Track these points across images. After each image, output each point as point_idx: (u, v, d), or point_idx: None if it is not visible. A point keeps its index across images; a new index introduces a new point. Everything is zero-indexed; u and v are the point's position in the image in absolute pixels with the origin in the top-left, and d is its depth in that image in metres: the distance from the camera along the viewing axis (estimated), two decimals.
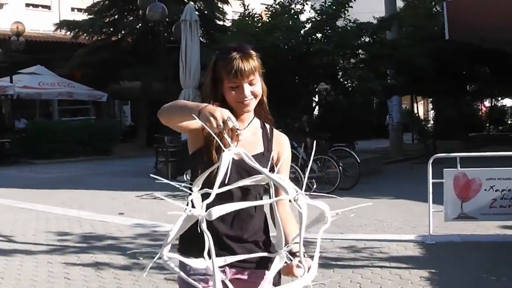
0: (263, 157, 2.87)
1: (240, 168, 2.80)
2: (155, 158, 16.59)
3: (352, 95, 16.33)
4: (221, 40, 16.25)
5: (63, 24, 25.67)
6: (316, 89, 17.44)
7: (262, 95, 2.87)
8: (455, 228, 8.39)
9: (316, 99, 17.71)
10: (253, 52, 2.79)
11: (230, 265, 2.88)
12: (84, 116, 28.35)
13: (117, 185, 14.50)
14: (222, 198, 2.63)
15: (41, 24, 27.49)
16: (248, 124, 2.91)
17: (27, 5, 29.70)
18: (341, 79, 16.19)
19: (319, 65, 14.43)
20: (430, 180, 7.89)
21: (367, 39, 16.03)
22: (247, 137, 2.85)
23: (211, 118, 2.41)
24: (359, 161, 12.62)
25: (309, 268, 2.50)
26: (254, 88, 2.77)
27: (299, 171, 11.27)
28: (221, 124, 2.40)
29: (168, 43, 20.65)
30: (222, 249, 2.81)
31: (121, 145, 24.94)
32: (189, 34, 14.65)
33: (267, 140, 2.95)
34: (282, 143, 3.00)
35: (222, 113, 2.42)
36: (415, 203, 10.47)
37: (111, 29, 26.48)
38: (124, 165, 19.53)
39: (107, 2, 26.06)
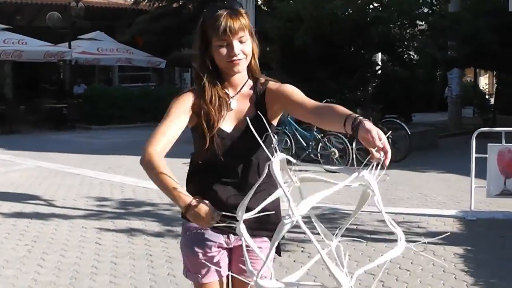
0: (256, 122, 2.66)
1: (236, 140, 2.76)
2: None
3: (410, 66, 15.92)
4: (278, 7, 15.99)
5: None
6: (373, 60, 17.08)
7: (254, 54, 2.77)
8: (499, 204, 8.08)
9: (375, 70, 17.35)
10: (242, 10, 2.70)
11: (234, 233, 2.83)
12: (145, 82, 28.52)
13: (174, 151, 14.47)
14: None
15: None
16: (241, 88, 2.81)
17: None
18: (398, 50, 15.78)
19: (375, 34, 14.08)
20: (474, 155, 7.62)
21: (425, 10, 15.53)
22: (239, 103, 2.80)
23: (200, 221, 2.52)
24: (409, 133, 12.28)
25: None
26: (244, 47, 2.68)
27: (346, 142, 11.02)
28: (211, 221, 2.49)
29: None
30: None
31: None
32: (244, 0, 14.42)
33: (259, 98, 2.84)
34: (274, 89, 2.84)
35: (206, 213, 2.49)
36: (464, 178, 10.08)
37: None
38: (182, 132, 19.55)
39: None
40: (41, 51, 20.38)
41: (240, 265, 2.93)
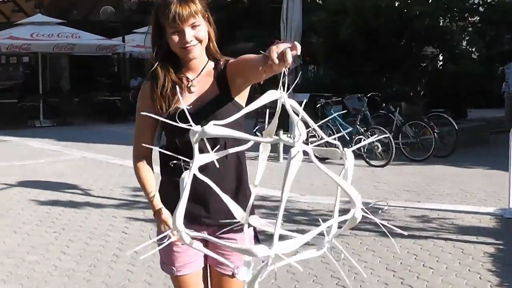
0: (220, 100, 2.74)
1: (198, 120, 2.64)
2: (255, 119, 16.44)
3: (460, 61, 15.53)
4: (323, 1, 15.85)
5: None
6: (423, 53, 16.68)
7: (211, 37, 2.75)
8: None
9: (423, 64, 16.99)
10: None
11: (207, 225, 2.82)
12: None
13: None
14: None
15: None
16: (201, 71, 2.78)
17: None
18: (447, 44, 15.40)
19: (421, 27, 13.78)
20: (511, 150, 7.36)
21: (476, 0, 15.12)
22: (201, 85, 2.76)
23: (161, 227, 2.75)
24: (457, 128, 11.96)
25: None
26: (197, 33, 2.65)
27: (390, 137, 10.80)
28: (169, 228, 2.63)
29: (273, 4, 20.41)
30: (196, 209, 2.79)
31: None
32: None
33: (221, 77, 2.77)
34: (232, 63, 2.76)
35: (166, 223, 2.74)
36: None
37: None
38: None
39: None
40: (94, 44, 20.61)
41: (215, 258, 2.90)
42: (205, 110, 2.69)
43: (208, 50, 2.77)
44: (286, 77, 1.96)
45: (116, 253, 6.01)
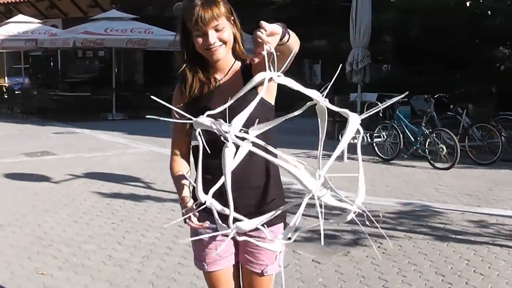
0: (247, 96, 2.64)
1: (225, 117, 2.70)
2: None
3: None
4: None
5: None
6: (492, 54, 16.31)
7: (237, 39, 2.81)
8: None
9: (494, 65, 16.60)
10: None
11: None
12: None
13: (282, 141, 14.41)
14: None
15: None
16: (228, 71, 2.85)
17: None
18: None
19: (492, 26, 13.47)
20: None
21: None
22: (228, 85, 2.81)
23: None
24: None
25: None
26: (221, 35, 2.70)
27: (455, 139, 10.62)
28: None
29: (343, 2, 20.27)
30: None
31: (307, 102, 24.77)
32: None
33: (247, 75, 2.76)
34: (257, 63, 2.64)
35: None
36: None
37: None
38: (299, 123, 19.48)
39: None
40: (166, 40, 20.87)
41: (246, 255, 2.99)
42: (232, 109, 2.75)
43: (234, 51, 2.82)
44: (267, 58, 2.10)
45: (169, 245, 6.12)
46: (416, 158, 11.44)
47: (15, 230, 6.75)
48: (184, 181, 2.83)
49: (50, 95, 21.64)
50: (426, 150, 11.12)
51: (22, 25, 23.19)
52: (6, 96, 24.21)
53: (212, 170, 2.69)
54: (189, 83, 2.79)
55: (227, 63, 2.83)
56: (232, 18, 2.75)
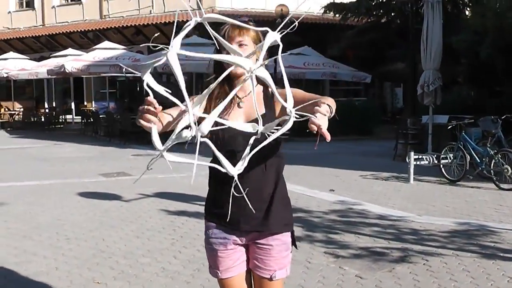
0: (266, 117, 2.91)
1: (244, 134, 2.93)
2: (395, 140, 16.41)
3: None
4: (463, 20, 15.56)
5: (330, 6, 26.19)
6: None
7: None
8: None
9: None
10: (249, 21, 2.92)
11: (246, 231, 3.10)
12: (356, 97, 28.78)
13: (352, 163, 14.58)
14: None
15: (315, 6, 28.14)
16: (249, 93, 3.03)
17: None
18: None
19: None
20: None
21: None
22: (248, 104, 3.03)
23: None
24: None
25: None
26: (244, 50, 2.89)
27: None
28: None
29: (418, 24, 20.21)
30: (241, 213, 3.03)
31: (386, 126, 24.76)
32: (431, 14, 14.23)
33: (268, 100, 3.08)
34: (281, 91, 2.89)
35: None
36: None
37: (381, 11, 26.40)
38: (375, 146, 19.53)
39: None
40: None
41: (255, 261, 3.20)
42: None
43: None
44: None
45: None
46: (482, 179, 11.37)
47: (80, 243, 7.17)
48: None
49: (132, 119, 22.39)
50: (492, 171, 11.03)
51: (107, 51, 24.15)
52: (91, 120, 25.23)
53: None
54: (215, 93, 3.00)
55: (249, 83, 3.06)
56: (258, 40, 2.98)
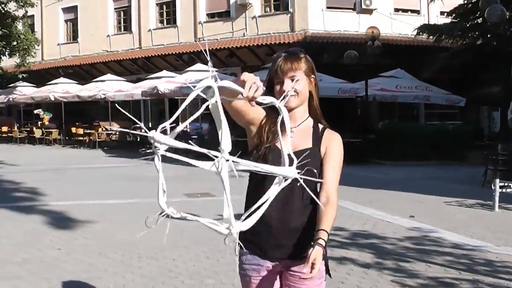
0: (310, 151, 3.04)
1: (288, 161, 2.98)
2: (485, 166, 15.95)
3: None
4: None
5: (423, 28, 25.79)
6: None
7: (313, 97, 3.14)
8: None
9: None
10: (301, 54, 3.06)
11: (278, 258, 3.10)
12: (452, 120, 28.20)
13: (438, 189, 14.21)
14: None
15: (409, 28, 27.84)
16: (300, 124, 3.13)
17: (396, 10, 30.58)
18: None
19: None
20: None
21: None
22: (298, 134, 3.09)
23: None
24: None
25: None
26: (295, 85, 3.01)
27: None
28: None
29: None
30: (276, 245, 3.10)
31: (480, 151, 24.03)
32: None
33: (317, 138, 3.15)
34: (331, 139, 3.18)
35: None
36: None
37: (476, 33, 25.81)
38: (466, 171, 19.00)
39: (470, 5, 25.52)
40: (335, 87, 21.38)
41: None
42: (296, 155, 3.01)
43: (310, 108, 3.16)
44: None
45: None
46: None
47: (150, 262, 7.32)
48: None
49: None
50: None
51: (199, 73, 24.58)
52: (183, 141, 25.61)
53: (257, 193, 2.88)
54: (272, 115, 3.02)
55: (300, 116, 3.13)
56: (312, 76, 3.09)
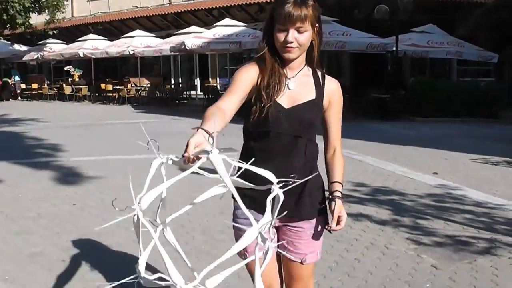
0: (314, 105, 2.94)
1: (291, 116, 2.85)
2: None
3: None
4: None
5: None
6: None
7: (314, 46, 2.91)
8: None
9: None
10: (310, 2, 2.83)
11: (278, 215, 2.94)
12: (486, 77, 27.58)
13: (465, 146, 13.87)
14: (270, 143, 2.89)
15: None
16: (298, 73, 2.95)
17: None
18: None
19: None
20: None
21: None
22: (298, 85, 2.94)
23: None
24: None
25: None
26: (300, 36, 2.81)
27: None
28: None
29: None
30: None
31: None
32: None
33: (319, 87, 2.98)
34: (334, 89, 3.04)
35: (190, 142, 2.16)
36: None
37: None
38: (497, 130, 18.60)
39: None
40: (364, 42, 20.97)
41: (285, 244, 3.04)
42: (299, 110, 2.90)
43: (309, 56, 2.95)
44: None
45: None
46: None
47: None
48: (212, 122, 2.40)
49: None
50: None
51: (228, 28, 24.33)
52: (212, 96, 25.59)
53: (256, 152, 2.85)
54: (268, 70, 2.87)
55: (298, 65, 2.95)
56: (317, 25, 2.86)
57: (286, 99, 2.89)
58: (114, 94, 30.88)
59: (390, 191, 8.80)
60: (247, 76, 2.88)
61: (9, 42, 35.04)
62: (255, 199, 2.80)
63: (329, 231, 3.00)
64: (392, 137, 15.67)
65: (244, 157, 2.99)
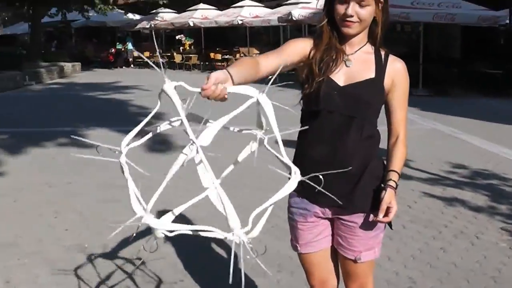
0: (372, 84, 2.75)
1: (345, 94, 2.73)
2: None
3: None
4: None
5: None
6: None
7: (378, 23, 2.73)
8: None
9: None
10: None
11: (331, 205, 2.80)
12: None
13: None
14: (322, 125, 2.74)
15: None
16: (358, 50, 2.77)
17: None
18: None
19: None
20: None
21: None
22: (357, 63, 2.76)
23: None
24: None
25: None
26: (361, 10, 2.65)
27: None
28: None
29: None
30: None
31: None
32: None
33: (380, 67, 2.78)
34: (397, 69, 2.81)
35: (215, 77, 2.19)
36: None
37: None
38: None
39: None
40: (474, 15, 20.05)
41: (338, 239, 2.94)
42: (355, 88, 2.73)
43: (372, 34, 2.77)
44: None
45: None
46: None
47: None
48: (239, 67, 2.40)
49: None
50: None
51: None
52: None
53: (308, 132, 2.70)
54: (324, 44, 2.75)
55: (358, 42, 2.78)
56: (381, 2, 2.68)
57: (342, 76, 2.72)
58: (223, 63, 31.11)
59: (490, 175, 8.42)
60: (296, 46, 2.76)
61: (123, 11, 35.87)
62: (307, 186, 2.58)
63: (376, 222, 2.79)
64: (500, 116, 14.87)
65: (298, 139, 2.88)
